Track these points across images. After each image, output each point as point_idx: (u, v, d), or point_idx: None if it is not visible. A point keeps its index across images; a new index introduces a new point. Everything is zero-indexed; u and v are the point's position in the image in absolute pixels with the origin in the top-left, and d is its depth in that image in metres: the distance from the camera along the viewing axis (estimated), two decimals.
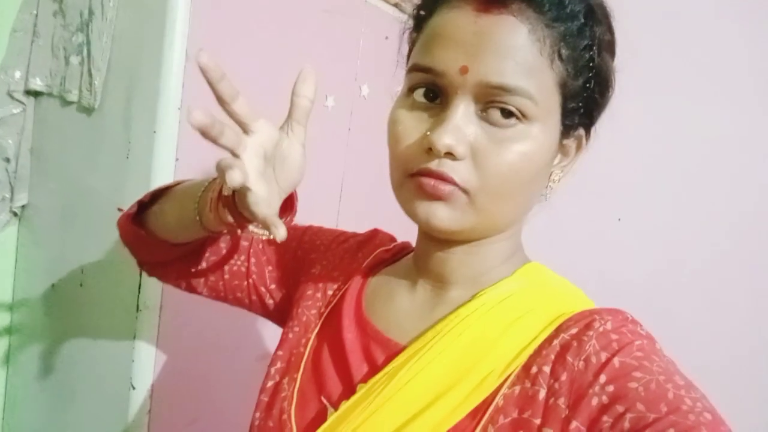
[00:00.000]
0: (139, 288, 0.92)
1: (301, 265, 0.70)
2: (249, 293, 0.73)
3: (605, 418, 0.43)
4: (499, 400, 0.48)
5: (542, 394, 0.46)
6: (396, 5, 1.41)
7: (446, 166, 0.48)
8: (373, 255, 0.66)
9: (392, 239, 0.71)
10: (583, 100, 0.51)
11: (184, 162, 0.93)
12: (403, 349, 0.54)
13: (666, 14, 1.43)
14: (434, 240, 0.55)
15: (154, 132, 0.89)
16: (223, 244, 0.73)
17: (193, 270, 0.73)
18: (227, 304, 0.76)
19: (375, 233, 0.72)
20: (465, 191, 0.49)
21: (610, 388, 0.44)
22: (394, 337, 0.56)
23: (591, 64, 0.50)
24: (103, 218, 0.95)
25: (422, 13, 0.53)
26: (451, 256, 0.55)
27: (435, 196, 0.49)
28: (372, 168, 1.37)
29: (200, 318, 1.03)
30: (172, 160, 0.91)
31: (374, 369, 0.55)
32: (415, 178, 0.50)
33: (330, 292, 0.65)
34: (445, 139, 0.47)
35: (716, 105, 1.41)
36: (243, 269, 0.72)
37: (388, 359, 0.54)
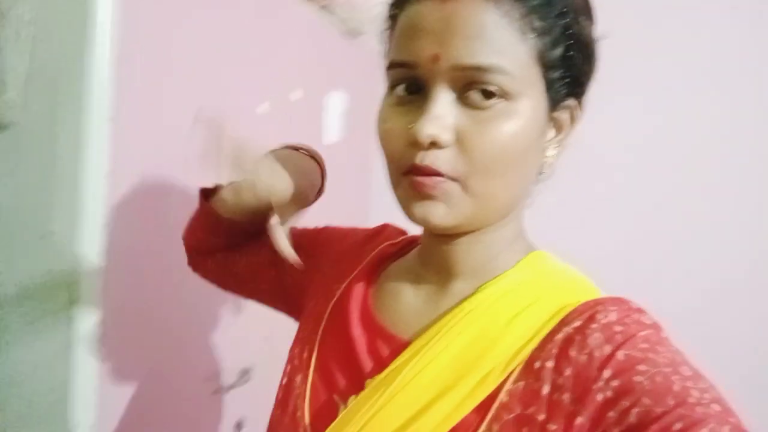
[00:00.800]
0: (73, 319, 0.83)
1: (314, 263, 0.70)
2: (273, 284, 0.75)
3: (611, 413, 0.42)
4: (503, 396, 0.47)
5: (546, 389, 0.46)
6: (322, 8, 1.39)
7: (433, 158, 0.48)
8: (378, 249, 0.66)
9: (401, 233, 0.70)
10: (567, 69, 0.51)
11: (117, 176, 0.85)
12: (408, 344, 0.53)
13: (666, 5, 1.47)
14: (437, 233, 0.55)
15: (82, 145, 0.82)
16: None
17: (237, 257, 0.78)
18: (249, 295, 0.81)
19: (384, 227, 0.72)
20: (456, 180, 0.49)
21: (615, 383, 0.43)
22: (399, 332, 0.55)
23: (568, 32, 0.50)
24: (26, 243, 0.85)
25: (394, 10, 0.53)
26: (454, 247, 0.55)
27: (429, 196, 0.49)
28: None
29: (143, 346, 0.95)
30: (103, 174, 0.84)
31: (381, 365, 0.54)
32: (408, 177, 0.50)
33: (336, 288, 0.63)
34: (426, 129, 0.47)
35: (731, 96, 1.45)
36: (271, 256, 0.72)
37: (394, 355, 0.54)
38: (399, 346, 0.54)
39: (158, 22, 0.91)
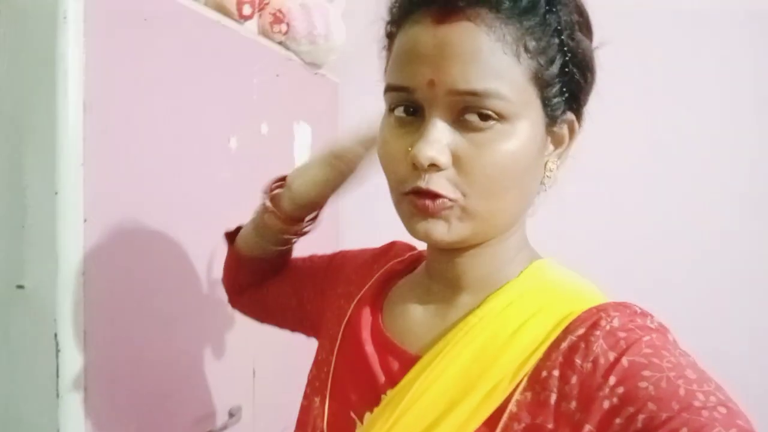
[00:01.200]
0: (58, 368, 0.80)
1: (329, 286, 0.72)
2: (296, 312, 0.79)
3: (617, 420, 0.42)
4: (512, 406, 0.48)
5: (553, 398, 0.46)
6: (281, 43, 1.41)
7: (434, 182, 0.49)
8: (386, 267, 0.66)
9: (409, 249, 0.71)
10: (565, 85, 0.51)
11: (93, 222, 0.84)
12: (417, 358, 0.54)
13: (668, 12, 1.47)
14: (440, 248, 0.56)
15: (56, 193, 0.80)
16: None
17: (265, 291, 0.83)
18: (281, 325, 0.85)
19: (392, 245, 0.73)
20: (454, 201, 0.49)
21: (620, 390, 0.43)
22: (409, 347, 0.56)
23: (564, 49, 0.50)
24: (3, 294, 0.82)
25: (391, 28, 0.54)
26: (459, 261, 0.56)
27: (429, 214, 0.50)
28: None
29: (129, 394, 0.92)
30: (80, 221, 0.82)
31: (392, 381, 0.54)
32: (408, 197, 0.51)
33: (347, 307, 0.64)
34: (426, 152, 0.47)
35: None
36: (293, 286, 0.80)
37: (404, 370, 0.54)
38: (408, 361, 0.54)
39: (126, 66, 0.91)
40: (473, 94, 0.47)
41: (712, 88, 1.49)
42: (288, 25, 1.39)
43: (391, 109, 0.52)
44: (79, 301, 0.82)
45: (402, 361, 0.55)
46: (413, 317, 0.58)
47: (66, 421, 0.81)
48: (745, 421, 0.40)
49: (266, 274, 0.83)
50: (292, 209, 0.74)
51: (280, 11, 1.38)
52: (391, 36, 0.54)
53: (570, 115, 0.54)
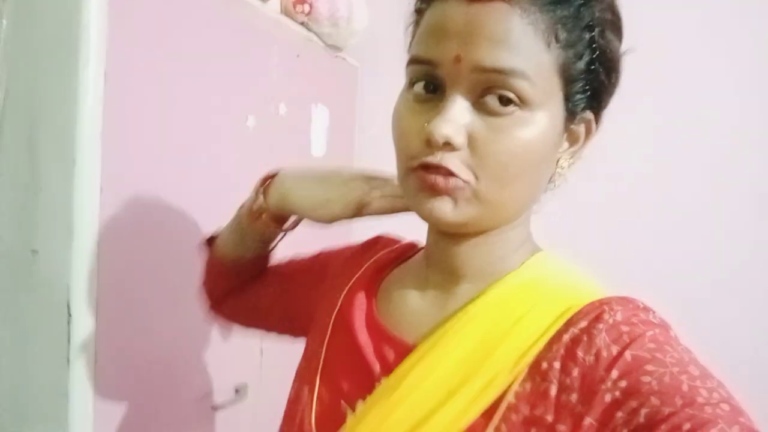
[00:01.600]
0: (69, 337, 0.82)
1: (316, 284, 0.71)
2: (284, 314, 0.78)
3: (619, 413, 0.42)
4: (510, 397, 0.47)
5: (554, 390, 0.46)
6: (303, 24, 1.40)
7: (446, 159, 0.48)
8: (376, 257, 0.65)
9: (397, 241, 0.71)
10: (589, 83, 0.50)
11: (110, 192, 0.85)
12: (413, 347, 0.53)
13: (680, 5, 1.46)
14: (443, 233, 0.55)
15: (74, 161, 0.81)
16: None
17: (248, 296, 0.81)
18: (269, 329, 0.83)
19: (378, 239, 0.72)
20: (466, 182, 0.48)
21: (623, 383, 0.43)
22: (405, 336, 0.55)
23: (593, 46, 0.49)
24: (12, 266, 0.83)
25: (420, 4, 0.53)
26: (460, 248, 0.55)
27: (437, 191, 0.49)
28: None
29: (138, 366, 0.94)
30: (96, 190, 0.83)
31: (387, 369, 0.54)
32: (417, 172, 0.50)
33: (337, 298, 0.63)
34: (442, 129, 0.46)
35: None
36: (278, 289, 0.79)
37: (400, 359, 0.53)
38: (405, 350, 0.53)
39: (148, 38, 0.91)
40: (498, 71, 0.46)
41: (723, 85, 1.47)
42: (311, 5, 1.38)
43: (411, 84, 0.51)
44: (92, 269, 0.83)
45: (398, 350, 0.54)
46: (410, 306, 0.57)
47: (75, 387, 0.82)
48: (747, 418, 0.40)
49: (248, 278, 0.81)
50: (277, 210, 0.71)
51: None
52: (419, 12, 0.53)
53: (589, 114, 0.53)
